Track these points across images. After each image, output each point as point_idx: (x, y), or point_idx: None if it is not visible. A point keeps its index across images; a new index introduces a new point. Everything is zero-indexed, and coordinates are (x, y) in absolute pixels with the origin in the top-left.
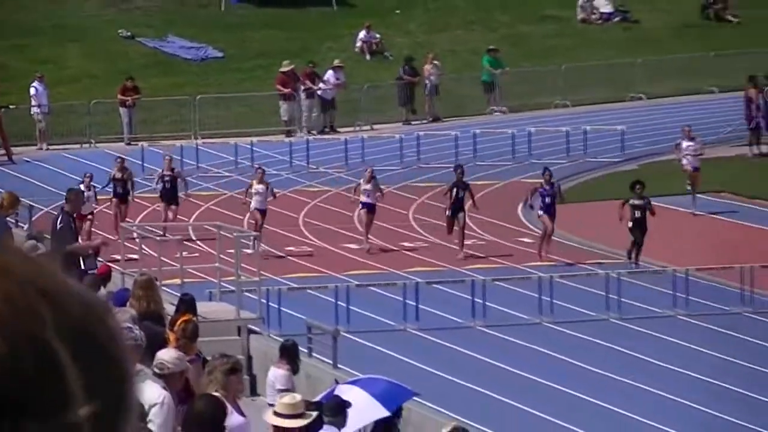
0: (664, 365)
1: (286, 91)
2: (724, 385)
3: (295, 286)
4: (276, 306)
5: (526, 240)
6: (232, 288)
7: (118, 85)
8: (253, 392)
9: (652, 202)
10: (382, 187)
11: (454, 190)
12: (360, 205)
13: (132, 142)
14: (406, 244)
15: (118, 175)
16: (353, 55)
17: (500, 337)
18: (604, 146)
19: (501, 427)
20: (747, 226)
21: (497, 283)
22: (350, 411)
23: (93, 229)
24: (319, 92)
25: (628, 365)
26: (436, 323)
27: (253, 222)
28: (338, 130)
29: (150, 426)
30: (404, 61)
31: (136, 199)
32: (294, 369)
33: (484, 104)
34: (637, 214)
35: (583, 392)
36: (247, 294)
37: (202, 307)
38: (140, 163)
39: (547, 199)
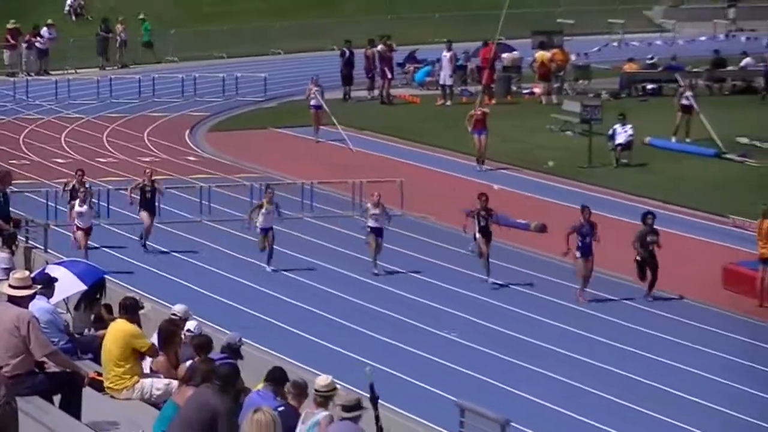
0: (288, 252)
1: (12, 42)
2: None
3: (17, 189)
4: None
5: (191, 158)
6: None
7: None
8: None
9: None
10: (388, 211)
11: (476, 217)
12: (368, 230)
13: None
14: (101, 159)
15: (79, 187)
16: (63, 16)
17: (170, 232)
18: (251, 89)
19: (155, 291)
20: (357, 151)
21: (170, 190)
22: (56, 285)
23: None
24: (37, 44)
25: (261, 252)
26: (121, 219)
27: (263, 240)
28: (50, 72)
29: None
30: (101, 21)
31: None
32: (13, 252)
33: (162, 55)
34: (651, 247)
35: (229, 273)
36: None
37: None
38: None
39: (588, 239)
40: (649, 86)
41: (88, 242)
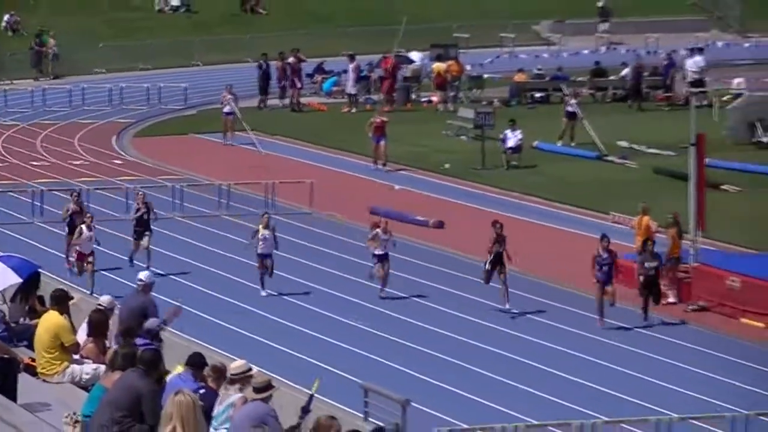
0: (208, 247)
1: None
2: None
3: None
4: None
5: (117, 162)
6: None
7: None
8: None
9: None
10: (394, 239)
11: (495, 245)
12: (375, 259)
13: None
14: (34, 163)
15: (75, 209)
16: (0, 31)
17: (98, 229)
18: (172, 98)
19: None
20: (270, 155)
21: (98, 191)
22: None
23: None
24: None
25: (182, 248)
26: (54, 218)
27: (260, 267)
28: None
29: None
30: (36, 36)
31: None
32: None
33: (92, 66)
34: (651, 272)
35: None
36: None
37: None
38: None
39: (605, 268)
40: (537, 95)
41: (94, 267)
